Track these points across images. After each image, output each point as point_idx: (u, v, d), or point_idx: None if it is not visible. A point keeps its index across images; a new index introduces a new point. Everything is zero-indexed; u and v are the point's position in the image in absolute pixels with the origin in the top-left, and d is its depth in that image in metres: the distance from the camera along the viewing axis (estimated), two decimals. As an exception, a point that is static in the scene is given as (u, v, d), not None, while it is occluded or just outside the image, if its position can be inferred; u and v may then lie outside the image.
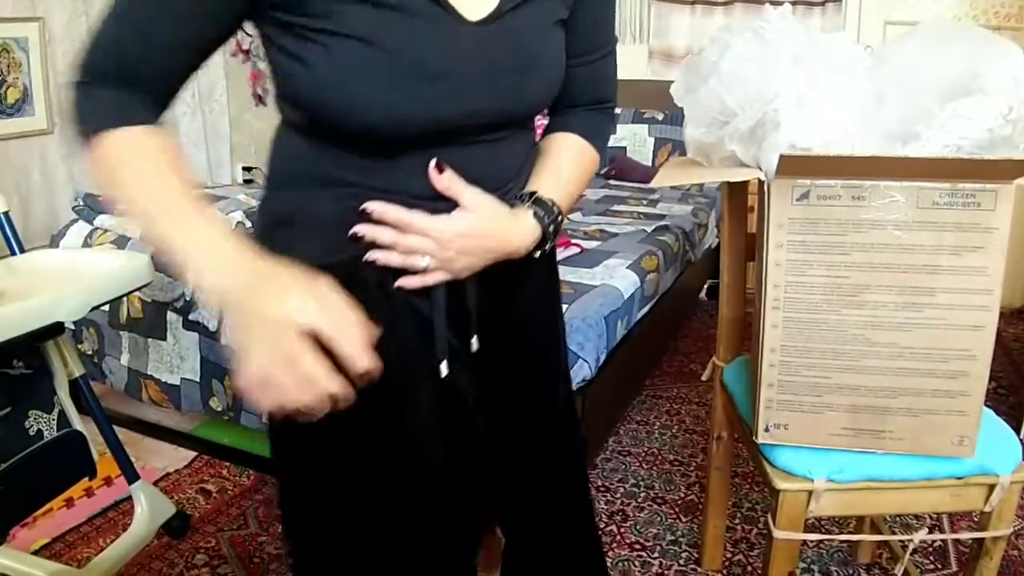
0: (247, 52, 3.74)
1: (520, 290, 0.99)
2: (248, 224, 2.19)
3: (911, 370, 1.15)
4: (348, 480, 0.92)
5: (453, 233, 0.84)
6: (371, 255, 0.84)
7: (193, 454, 2.26)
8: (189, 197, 0.75)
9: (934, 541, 1.86)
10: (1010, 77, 1.11)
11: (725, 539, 1.79)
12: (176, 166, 0.76)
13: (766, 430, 1.21)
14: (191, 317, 2.16)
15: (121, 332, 2.34)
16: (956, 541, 1.84)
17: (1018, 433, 1.36)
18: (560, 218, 0.94)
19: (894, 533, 1.85)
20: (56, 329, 1.49)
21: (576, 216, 2.88)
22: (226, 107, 3.72)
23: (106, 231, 2.38)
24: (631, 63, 3.39)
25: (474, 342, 0.95)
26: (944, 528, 1.86)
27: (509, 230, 0.89)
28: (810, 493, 1.21)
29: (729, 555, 1.81)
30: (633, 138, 3.61)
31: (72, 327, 2.38)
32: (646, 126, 3.60)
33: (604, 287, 2.05)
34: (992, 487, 1.21)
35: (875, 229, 1.10)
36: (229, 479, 2.14)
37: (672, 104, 1.35)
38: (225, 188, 2.98)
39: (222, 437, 2.29)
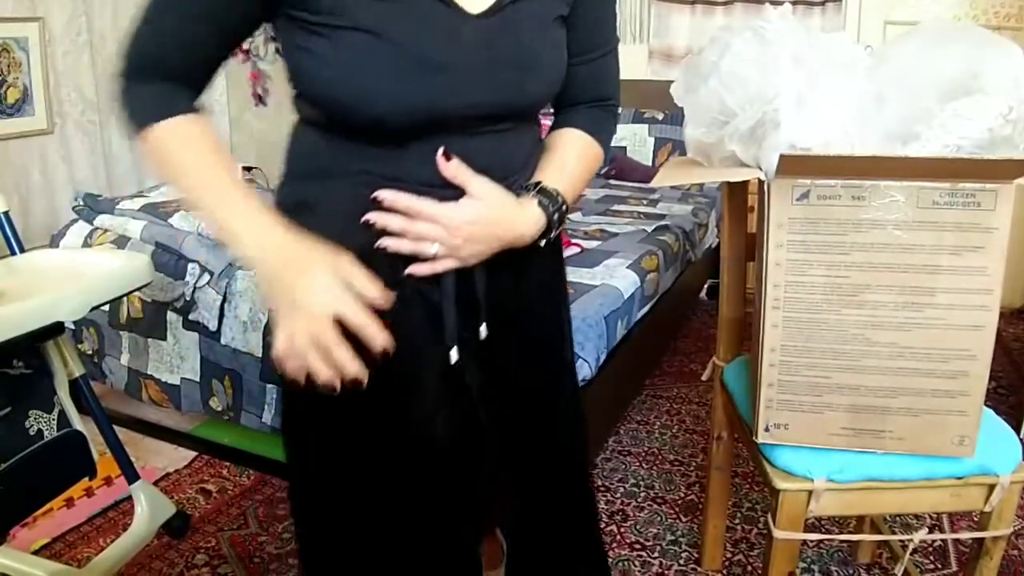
0: (247, 52, 3.74)
1: (526, 279, 1.01)
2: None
3: (911, 370, 1.15)
4: (356, 464, 0.95)
5: (461, 220, 0.86)
6: (382, 242, 0.87)
7: (193, 454, 2.26)
8: (229, 175, 0.84)
9: (934, 541, 1.86)
10: (1010, 77, 1.11)
11: (725, 539, 1.79)
12: (215, 149, 0.85)
13: (766, 430, 1.21)
14: (191, 317, 2.17)
15: (121, 332, 2.34)
16: (956, 541, 1.84)
17: (1018, 433, 1.36)
18: (564, 207, 0.96)
19: (894, 533, 1.85)
20: (56, 329, 1.49)
21: (576, 216, 2.88)
22: (226, 107, 3.72)
23: (106, 231, 2.37)
24: (631, 63, 3.37)
25: (483, 330, 0.97)
26: (944, 528, 1.86)
27: (515, 218, 0.91)
28: (810, 493, 1.21)
29: (729, 555, 1.81)
30: (633, 138, 3.62)
31: (72, 327, 2.38)
32: (646, 126, 3.60)
33: (604, 287, 2.05)
34: (992, 487, 1.21)
35: (875, 229, 1.10)
36: (229, 479, 2.14)
37: (672, 104, 1.35)
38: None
39: (222, 437, 2.29)
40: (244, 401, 2.14)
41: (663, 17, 3.67)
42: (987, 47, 1.15)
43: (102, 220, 2.40)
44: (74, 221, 2.48)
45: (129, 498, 1.86)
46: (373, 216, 0.86)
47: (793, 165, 1.08)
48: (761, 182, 1.15)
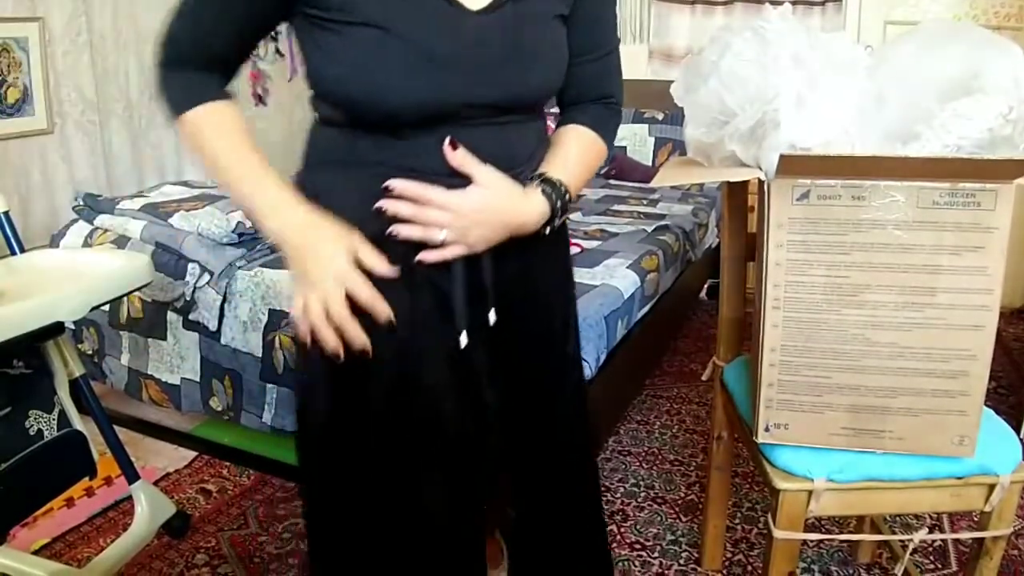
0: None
1: (533, 269, 1.04)
2: (248, 224, 2.19)
3: (911, 370, 1.15)
4: (369, 451, 0.98)
5: (468, 207, 0.90)
6: (393, 229, 0.90)
7: (193, 454, 2.26)
8: (256, 157, 0.92)
9: (934, 541, 1.86)
10: (1010, 77, 1.11)
11: (725, 539, 1.79)
12: (244, 133, 0.93)
13: (766, 430, 1.21)
14: (191, 317, 2.17)
15: (121, 332, 2.34)
16: (956, 541, 1.84)
17: (1018, 433, 1.36)
18: (568, 196, 0.99)
19: (894, 533, 1.85)
20: (56, 329, 1.49)
21: (576, 216, 2.88)
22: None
23: (106, 231, 2.37)
24: (631, 63, 3.36)
25: (491, 315, 0.99)
26: (944, 528, 1.86)
27: (520, 205, 0.94)
28: (810, 493, 1.21)
29: (729, 555, 1.82)
30: (633, 138, 3.62)
31: (72, 327, 2.38)
32: (646, 126, 3.60)
33: (604, 287, 2.05)
34: (992, 487, 1.21)
35: (875, 229, 1.10)
36: (229, 479, 2.13)
37: (672, 104, 1.35)
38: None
39: (222, 437, 2.29)
40: (244, 401, 2.14)
41: (663, 17, 3.67)
42: (987, 47, 1.15)
43: (102, 220, 2.40)
44: (74, 221, 2.48)
45: (129, 498, 1.86)
46: (384, 203, 0.90)
47: (793, 165, 1.08)
48: (761, 182, 1.15)
